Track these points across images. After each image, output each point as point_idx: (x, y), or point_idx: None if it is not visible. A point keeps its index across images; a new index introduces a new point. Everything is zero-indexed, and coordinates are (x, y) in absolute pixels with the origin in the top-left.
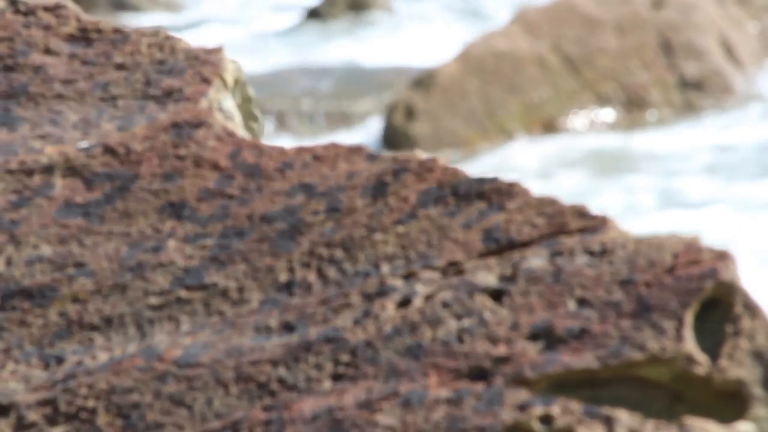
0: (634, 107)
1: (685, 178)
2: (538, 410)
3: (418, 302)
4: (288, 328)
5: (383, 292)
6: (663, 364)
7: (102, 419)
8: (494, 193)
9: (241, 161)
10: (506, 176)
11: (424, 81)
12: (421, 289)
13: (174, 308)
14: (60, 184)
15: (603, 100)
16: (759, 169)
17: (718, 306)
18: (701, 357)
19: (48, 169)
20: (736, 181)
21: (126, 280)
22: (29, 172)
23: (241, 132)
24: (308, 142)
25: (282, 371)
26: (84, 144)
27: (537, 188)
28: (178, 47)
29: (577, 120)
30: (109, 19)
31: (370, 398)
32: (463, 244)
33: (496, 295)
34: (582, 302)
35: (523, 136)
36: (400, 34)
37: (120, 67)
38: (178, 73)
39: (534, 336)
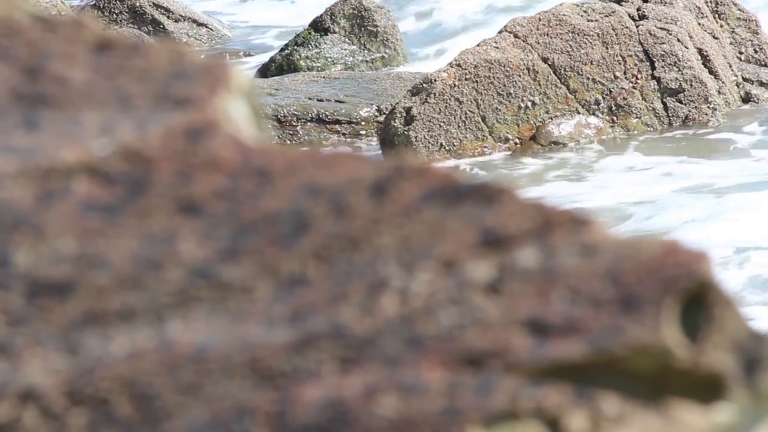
0: (618, 114)
1: (668, 184)
2: (529, 396)
3: (416, 295)
4: (294, 319)
5: (384, 285)
6: (646, 355)
7: (120, 405)
8: (487, 195)
9: (251, 164)
10: (498, 179)
11: (421, 87)
12: (419, 282)
13: (188, 301)
14: (81, 185)
15: (589, 108)
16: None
17: (697, 302)
18: (682, 347)
19: (69, 171)
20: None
21: (143, 274)
22: (52, 174)
23: (249, 137)
24: (311, 146)
25: (288, 361)
26: (103, 147)
27: (526, 191)
28: (191, 58)
29: (565, 126)
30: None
31: (371, 387)
32: (458, 241)
33: (490, 288)
34: (570, 296)
35: (515, 141)
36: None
37: (136, 76)
38: (191, 82)
39: (525, 327)
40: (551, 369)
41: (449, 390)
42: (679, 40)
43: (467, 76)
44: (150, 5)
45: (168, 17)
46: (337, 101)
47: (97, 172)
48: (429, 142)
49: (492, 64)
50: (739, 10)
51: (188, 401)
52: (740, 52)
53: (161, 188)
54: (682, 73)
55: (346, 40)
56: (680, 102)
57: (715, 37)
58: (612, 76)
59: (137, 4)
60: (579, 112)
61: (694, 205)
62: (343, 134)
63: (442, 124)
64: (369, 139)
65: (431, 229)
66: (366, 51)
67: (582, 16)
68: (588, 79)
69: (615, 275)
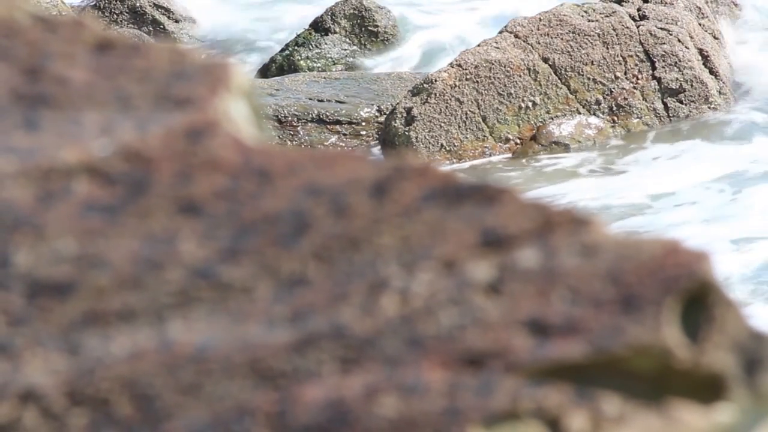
0: (619, 114)
1: (670, 183)
2: (530, 396)
3: (416, 295)
4: (295, 320)
5: (384, 286)
6: (647, 355)
7: (121, 405)
8: (487, 196)
9: (251, 164)
10: (498, 179)
11: (421, 88)
12: (419, 283)
13: (188, 301)
14: (81, 185)
15: (590, 108)
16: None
17: (698, 303)
18: (683, 347)
19: (70, 172)
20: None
21: (144, 274)
22: (52, 174)
23: (249, 137)
24: (313, 146)
25: (289, 361)
26: (103, 147)
27: (527, 191)
28: (191, 58)
29: (566, 126)
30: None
31: (372, 387)
32: (458, 242)
33: (490, 288)
34: (571, 296)
35: (516, 141)
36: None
37: (137, 76)
38: (191, 82)
39: (526, 327)
40: (552, 369)
41: (450, 390)
42: (679, 41)
43: (468, 77)
44: (150, 5)
45: (168, 17)
46: (337, 101)
47: (97, 173)
48: (429, 143)
49: (492, 64)
50: (740, 10)
51: (189, 401)
52: None
53: (161, 188)
54: (682, 74)
55: (347, 40)
56: (681, 102)
57: (715, 38)
58: (612, 77)
59: (137, 4)
60: (580, 113)
61: (703, 199)
62: (344, 135)
63: (442, 124)
64: (369, 140)
65: (432, 229)
66: (367, 51)
67: (582, 16)
68: (588, 79)
69: (615, 275)
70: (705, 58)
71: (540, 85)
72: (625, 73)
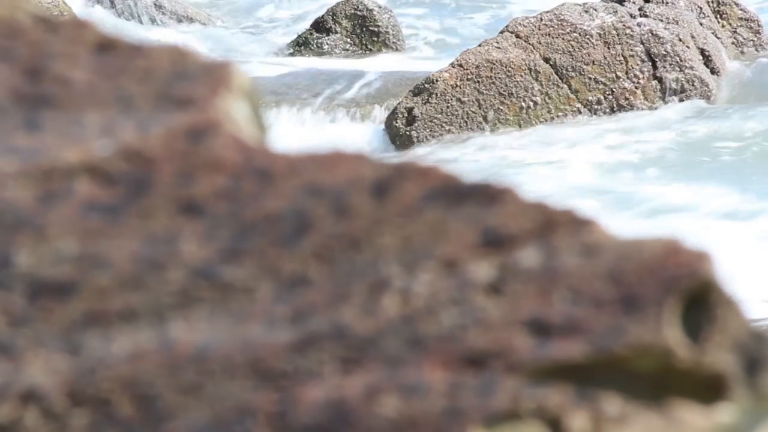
0: (620, 114)
1: (670, 182)
2: (530, 396)
3: (417, 295)
4: (296, 320)
5: (385, 285)
6: (648, 355)
7: (122, 406)
8: (489, 195)
9: (252, 164)
10: (500, 179)
11: (422, 88)
12: (420, 283)
13: (189, 301)
14: (82, 186)
15: (591, 107)
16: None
17: (700, 303)
18: (684, 347)
19: (71, 172)
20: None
21: (145, 275)
22: (53, 174)
23: (250, 137)
24: (314, 146)
25: (290, 361)
26: (105, 148)
27: (528, 191)
28: (193, 59)
29: (567, 126)
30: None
31: (372, 387)
32: (459, 242)
33: (491, 288)
34: (571, 296)
35: (517, 140)
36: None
37: (138, 76)
38: (193, 82)
39: (527, 327)
40: (553, 369)
41: (451, 390)
42: (681, 40)
43: (469, 77)
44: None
45: (169, 17)
46: (339, 101)
47: (98, 173)
48: (431, 142)
49: (494, 64)
50: (741, 10)
51: (190, 402)
52: (742, 53)
53: (163, 188)
54: (684, 73)
55: (348, 40)
56: (682, 102)
57: (717, 37)
58: (614, 76)
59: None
60: (581, 112)
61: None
62: (345, 134)
63: (443, 124)
64: (371, 139)
65: (433, 229)
66: (368, 51)
67: (583, 16)
68: (590, 79)
69: (616, 275)
70: (706, 58)
71: (541, 85)
72: (627, 73)
